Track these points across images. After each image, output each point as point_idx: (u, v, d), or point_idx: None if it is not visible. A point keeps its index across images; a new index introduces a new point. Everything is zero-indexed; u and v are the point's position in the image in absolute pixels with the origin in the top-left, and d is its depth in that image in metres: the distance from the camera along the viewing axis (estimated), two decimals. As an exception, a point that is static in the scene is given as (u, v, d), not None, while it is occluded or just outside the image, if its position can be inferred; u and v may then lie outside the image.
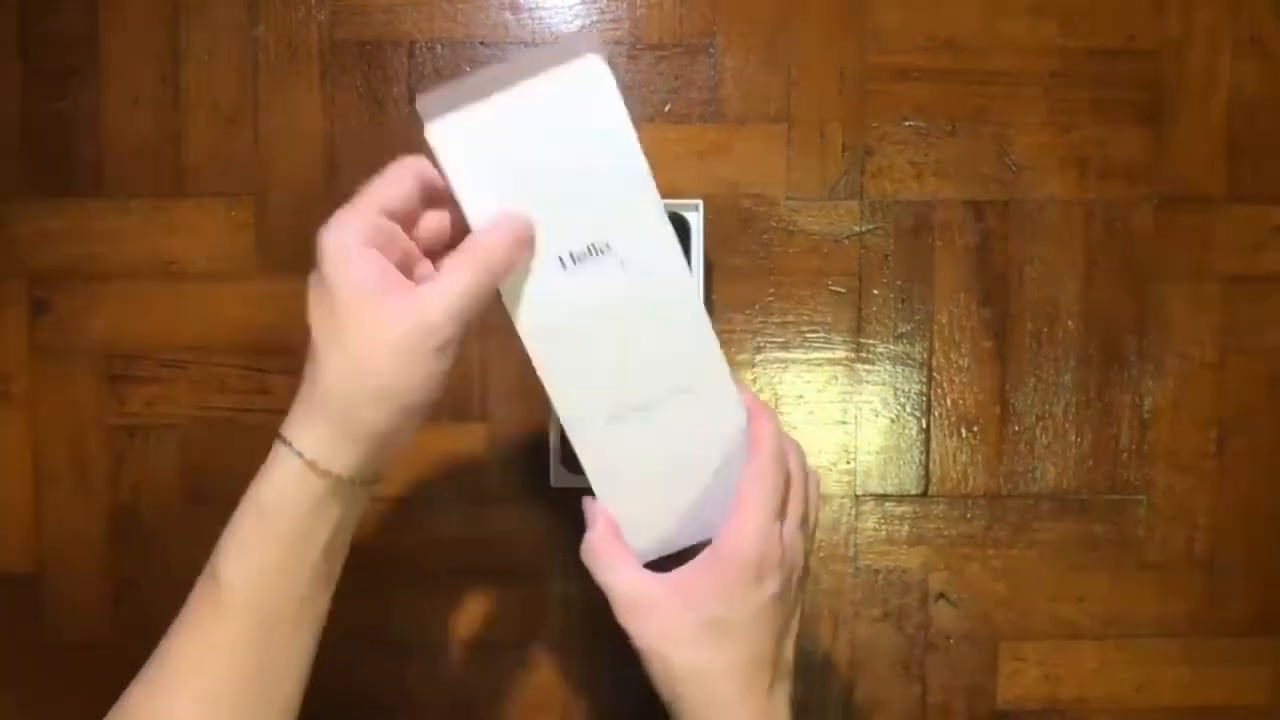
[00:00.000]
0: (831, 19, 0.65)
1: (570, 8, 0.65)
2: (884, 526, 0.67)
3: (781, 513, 0.46)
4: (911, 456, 0.66)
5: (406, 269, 0.42)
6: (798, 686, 0.48)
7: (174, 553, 0.65)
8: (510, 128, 0.42)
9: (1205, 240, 0.66)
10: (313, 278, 0.41)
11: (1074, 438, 0.67)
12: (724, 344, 0.65)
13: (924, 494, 0.66)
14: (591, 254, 0.43)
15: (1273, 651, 0.67)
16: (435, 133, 0.42)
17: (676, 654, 0.44)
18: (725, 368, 0.46)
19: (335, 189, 0.65)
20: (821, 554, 0.66)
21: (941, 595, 0.67)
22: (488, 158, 0.42)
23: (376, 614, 0.65)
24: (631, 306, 0.44)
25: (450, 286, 0.40)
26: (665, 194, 0.44)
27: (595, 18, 0.65)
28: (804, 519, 0.47)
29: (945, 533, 0.67)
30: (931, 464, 0.66)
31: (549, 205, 0.43)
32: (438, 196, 0.44)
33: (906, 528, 0.67)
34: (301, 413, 0.42)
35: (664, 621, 0.45)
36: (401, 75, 0.65)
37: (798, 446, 0.49)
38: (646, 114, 0.65)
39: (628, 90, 0.65)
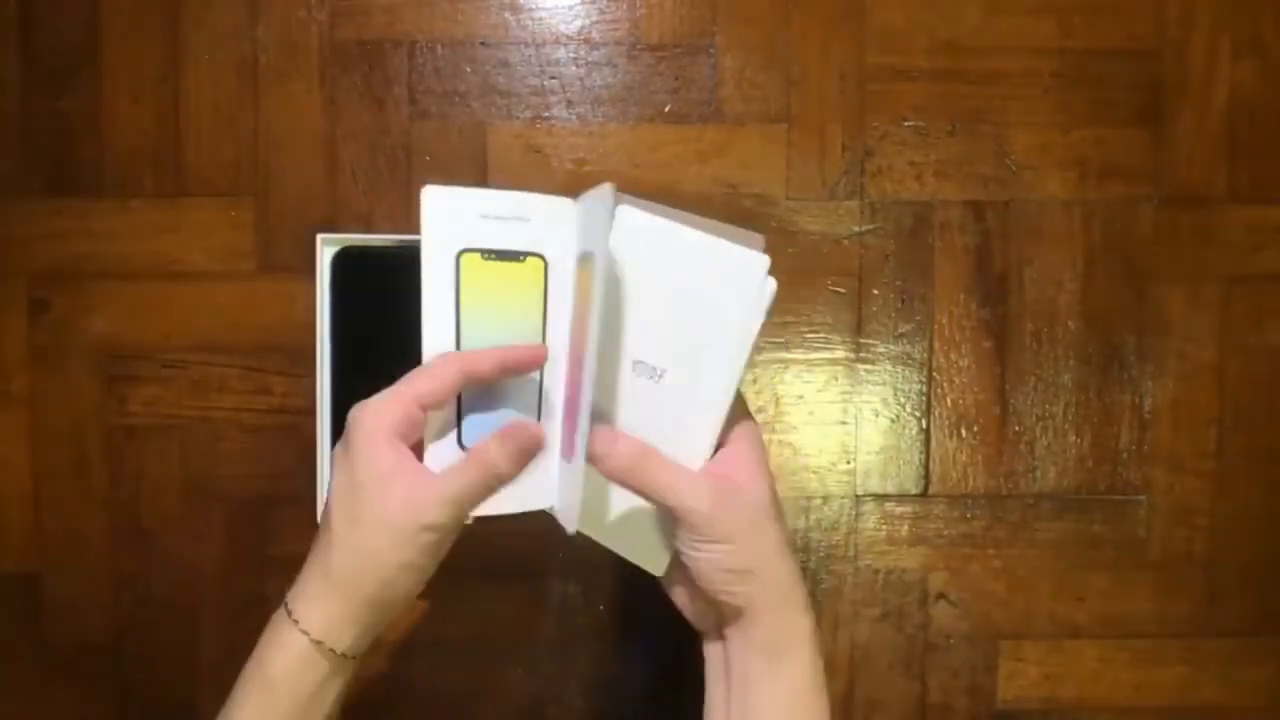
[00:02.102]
0: (831, 19, 0.65)
1: (570, 8, 0.65)
2: (884, 526, 0.67)
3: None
4: (911, 456, 0.66)
5: None
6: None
7: (174, 553, 0.65)
8: (668, 254, 0.47)
9: (1205, 240, 0.66)
10: (339, 446, 0.45)
11: (1074, 438, 0.67)
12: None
13: (924, 494, 0.66)
14: (651, 373, 0.48)
15: (1273, 651, 0.67)
16: (624, 209, 0.47)
17: (767, 527, 0.47)
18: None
19: (335, 189, 0.65)
20: (821, 554, 0.66)
21: (941, 595, 0.67)
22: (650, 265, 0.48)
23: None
24: (655, 411, 0.49)
25: (449, 479, 0.44)
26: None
27: (595, 18, 0.65)
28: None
29: (945, 533, 0.67)
30: (931, 464, 0.66)
31: (657, 319, 0.48)
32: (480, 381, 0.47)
33: (906, 528, 0.67)
34: (310, 588, 0.44)
35: (743, 506, 0.46)
36: (401, 75, 0.65)
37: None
38: (646, 114, 0.65)
39: (627, 90, 0.65)
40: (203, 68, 0.64)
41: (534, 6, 0.65)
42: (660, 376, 0.48)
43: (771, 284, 0.47)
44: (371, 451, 0.43)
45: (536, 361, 0.47)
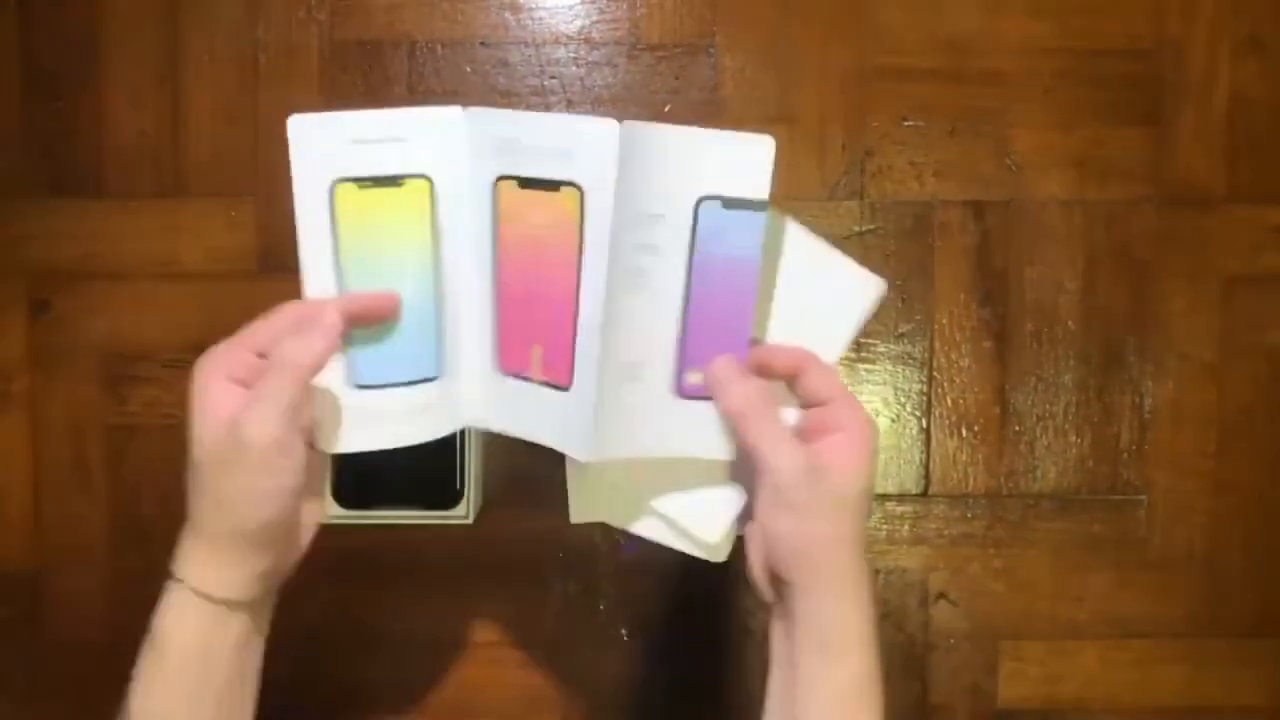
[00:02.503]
0: (831, 19, 0.65)
1: (570, 8, 0.65)
2: (884, 526, 0.67)
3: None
4: (911, 456, 0.66)
5: None
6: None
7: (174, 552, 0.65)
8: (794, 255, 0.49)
9: (1205, 240, 0.66)
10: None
11: (1074, 438, 0.67)
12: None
13: (924, 494, 0.66)
14: None
15: (1273, 651, 0.67)
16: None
17: (840, 516, 0.45)
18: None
19: (335, 189, 0.65)
20: (821, 554, 0.66)
21: (941, 595, 0.67)
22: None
23: (377, 613, 0.65)
24: None
25: (259, 401, 0.43)
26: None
27: (595, 18, 0.65)
28: None
29: (945, 533, 0.67)
30: (931, 464, 0.66)
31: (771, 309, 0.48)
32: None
33: (906, 528, 0.67)
34: (183, 543, 0.45)
35: (825, 488, 0.45)
36: (401, 75, 0.65)
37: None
38: (646, 114, 0.65)
39: (627, 90, 0.65)
40: (203, 68, 0.65)
41: (534, 6, 0.65)
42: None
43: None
44: (201, 395, 0.43)
45: (385, 309, 0.46)
